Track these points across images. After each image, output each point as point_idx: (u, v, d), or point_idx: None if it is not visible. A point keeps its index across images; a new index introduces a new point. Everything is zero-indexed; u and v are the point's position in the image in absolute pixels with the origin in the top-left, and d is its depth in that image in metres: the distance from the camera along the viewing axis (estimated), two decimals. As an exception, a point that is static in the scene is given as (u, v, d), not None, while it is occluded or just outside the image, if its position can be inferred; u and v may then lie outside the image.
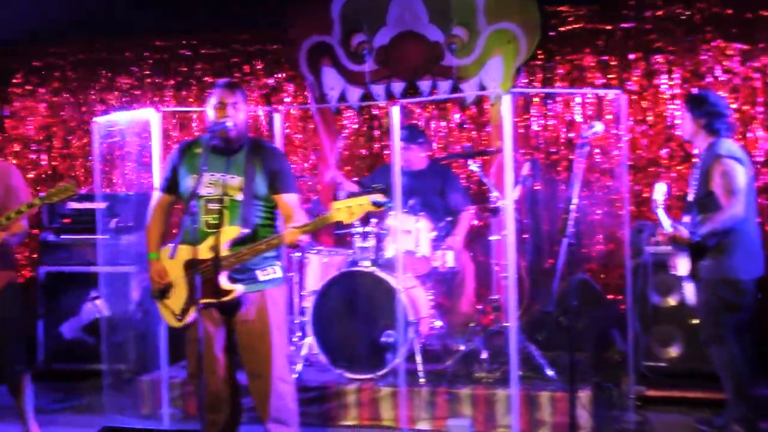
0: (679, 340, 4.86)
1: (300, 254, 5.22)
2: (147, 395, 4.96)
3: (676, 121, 5.70)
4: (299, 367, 4.88)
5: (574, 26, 6.05)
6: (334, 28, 6.24)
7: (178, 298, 3.49)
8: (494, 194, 4.94)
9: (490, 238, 5.15)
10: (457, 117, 6.30)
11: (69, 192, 3.79)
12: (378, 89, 6.22)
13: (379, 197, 3.26)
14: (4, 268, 4.09)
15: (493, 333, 4.96)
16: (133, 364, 5.43)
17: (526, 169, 5.12)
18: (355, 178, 5.90)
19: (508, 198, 4.39)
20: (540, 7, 5.88)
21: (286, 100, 6.55)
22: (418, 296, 4.97)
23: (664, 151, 5.85)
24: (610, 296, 5.60)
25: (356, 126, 6.49)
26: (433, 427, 4.58)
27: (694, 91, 5.44)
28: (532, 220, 5.85)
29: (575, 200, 3.50)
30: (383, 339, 4.69)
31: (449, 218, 5.33)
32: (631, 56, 5.90)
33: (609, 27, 5.97)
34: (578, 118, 5.99)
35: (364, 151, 6.46)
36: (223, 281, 3.41)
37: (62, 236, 5.93)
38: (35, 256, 6.57)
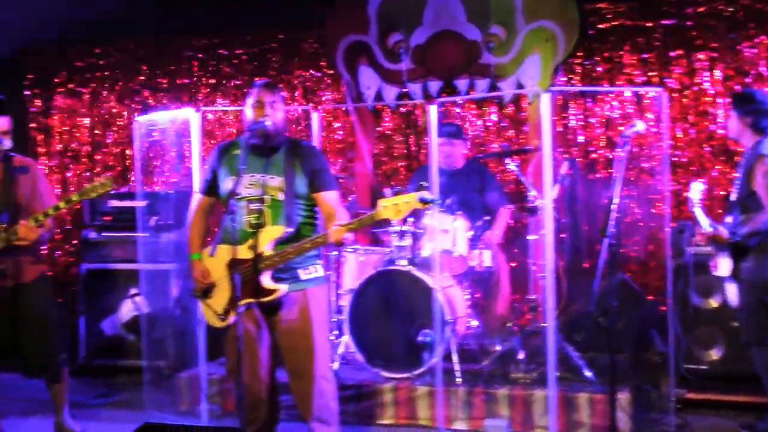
0: (721, 342, 4.78)
1: (336, 253, 5.23)
2: (185, 392, 5.02)
3: (719, 120, 5.61)
4: (336, 365, 4.89)
5: (614, 23, 5.97)
6: (371, 27, 6.24)
7: (220, 298, 3.51)
8: (532, 193, 4.91)
9: (528, 237, 5.12)
10: (494, 116, 6.27)
11: (105, 188, 3.85)
12: (415, 88, 6.20)
13: (426, 194, 3.24)
14: (36, 262, 4.18)
15: (530, 333, 4.93)
16: (172, 360, 5.50)
17: (564, 168, 5.08)
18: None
19: (546, 197, 4.35)
20: (578, 4, 5.82)
21: (323, 99, 6.58)
22: (455, 295, 4.95)
23: (706, 150, 5.76)
24: (650, 297, 5.52)
25: (393, 125, 6.49)
26: (469, 427, 4.57)
27: (739, 89, 5.34)
28: (570, 219, 5.79)
29: (616, 200, 3.46)
30: (420, 338, 4.69)
31: (487, 217, 5.30)
32: (672, 53, 5.81)
33: (649, 24, 5.88)
34: (618, 117, 5.92)
35: (399, 151, 6.47)
36: (267, 281, 3.42)
37: (103, 234, 6.02)
38: (77, 252, 6.68)
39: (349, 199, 5.54)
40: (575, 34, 5.82)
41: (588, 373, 4.61)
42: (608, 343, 3.50)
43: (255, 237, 3.38)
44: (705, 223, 3.94)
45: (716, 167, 5.71)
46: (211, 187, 3.66)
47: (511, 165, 5.01)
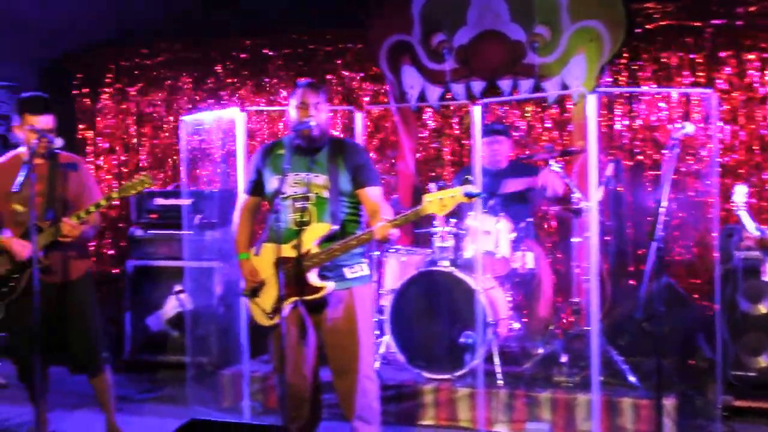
0: (770, 349, 4.68)
1: (378, 253, 5.24)
2: (228, 388, 5.07)
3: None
4: (377, 365, 4.90)
5: (661, 24, 5.88)
6: (414, 28, 6.23)
7: (268, 296, 3.52)
8: (576, 195, 4.86)
9: (572, 240, 5.06)
10: (538, 116, 6.22)
11: (144, 184, 3.90)
12: (458, 88, 6.18)
13: (471, 188, 3.21)
14: (81, 258, 4.21)
15: (572, 336, 4.88)
16: (216, 357, 5.56)
17: (609, 170, 5.01)
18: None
19: (592, 199, 4.30)
20: (625, 4, 5.74)
21: (366, 99, 6.60)
22: (497, 297, 4.93)
23: (756, 152, 5.64)
24: (697, 302, 5.43)
25: (436, 125, 6.48)
26: (511, 429, 4.54)
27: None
28: (614, 222, 5.72)
29: (665, 203, 3.40)
30: (461, 339, 4.67)
31: (530, 219, 5.26)
32: (722, 54, 5.71)
33: (698, 24, 5.78)
34: (664, 118, 5.83)
35: (441, 150, 6.46)
36: (313, 278, 3.44)
37: (149, 231, 6.12)
38: (123, 250, 6.80)
39: (392, 198, 5.54)
40: (621, 35, 5.73)
41: (632, 378, 4.55)
42: (654, 347, 3.44)
43: (300, 235, 3.40)
44: (751, 226, 3.86)
45: (767, 170, 5.59)
46: (256, 187, 3.69)
47: (556, 166, 4.96)
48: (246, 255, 3.64)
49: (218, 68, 7.03)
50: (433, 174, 6.34)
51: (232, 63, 6.97)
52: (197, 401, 5.01)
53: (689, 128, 3.58)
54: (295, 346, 3.56)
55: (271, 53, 6.86)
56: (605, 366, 4.52)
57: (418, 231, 5.45)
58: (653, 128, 5.88)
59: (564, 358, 4.75)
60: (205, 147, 6.80)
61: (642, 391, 4.43)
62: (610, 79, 5.90)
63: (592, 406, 4.22)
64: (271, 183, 3.59)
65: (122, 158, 7.36)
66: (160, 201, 6.07)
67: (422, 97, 6.25)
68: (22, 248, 3.94)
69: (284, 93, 6.74)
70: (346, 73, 6.67)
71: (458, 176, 5.63)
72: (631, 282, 5.70)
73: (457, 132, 6.42)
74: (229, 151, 6.01)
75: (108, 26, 6.92)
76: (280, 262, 3.35)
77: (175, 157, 7.02)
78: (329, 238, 3.45)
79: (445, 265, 4.85)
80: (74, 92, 7.42)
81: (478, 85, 6.14)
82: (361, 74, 6.65)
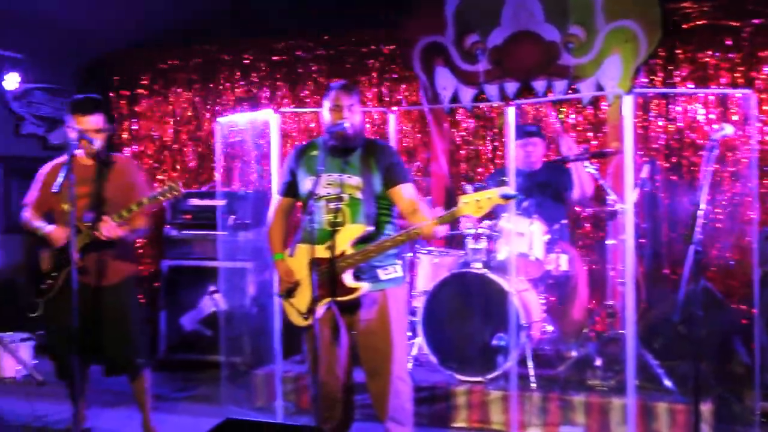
0: (810, 354, 4.59)
1: (411, 254, 5.24)
2: (261, 388, 5.10)
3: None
4: (409, 366, 4.90)
5: (698, 23, 5.80)
6: (448, 29, 6.22)
7: (303, 297, 3.53)
8: (611, 197, 4.81)
9: (607, 242, 5.01)
10: (572, 117, 6.17)
11: (173, 192, 3.91)
12: (491, 89, 6.16)
13: (507, 190, 3.20)
14: (125, 262, 4.21)
15: (607, 340, 4.83)
16: (249, 357, 5.60)
17: (645, 172, 4.96)
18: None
19: (627, 201, 4.26)
20: (661, 3, 5.67)
21: (399, 100, 6.60)
22: (531, 300, 4.90)
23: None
24: (734, 306, 5.34)
25: (469, 126, 6.46)
26: (544, 433, 4.51)
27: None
28: (650, 224, 5.65)
29: (703, 205, 3.35)
30: (494, 342, 4.65)
31: (564, 221, 5.22)
32: (761, 53, 5.61)
33: (735, 23, 5.68)
34: (701, 119, 5.75)
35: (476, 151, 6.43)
36: (348, 279, 3.45)
37: (184, 232, 6.18)
38: (159, 250, 6.88)
39: (426, 199, 5.53)
40: (658, 34, 5.67)
41: (668, 383, 4.49)
42: (692, 351, 3.39)
43: (334, 236, 3.41)
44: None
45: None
46: (289, 189, 3.70)
47: (590, 168, 4.92)
48: (281, 255, 3.64)
49: (252, 70, 7.08)
50: (466, 176, 6.32)
51: (267, 64, 7.01)
52: (231, 401, 5.04)
53: (728, 129, 3.53)
54: (329, 346, 3.56)
55: (304, 55, 6.90)
56: (640, 370, 4.47)
57: (451, 233, 5.44)
58: (690, 129, 5.80)
59: (598, 362, 4.70)
60: (240, 148, 6.86)
61: (678, 395, 4.37)
62: (646, 80, 5.84)
63: (627, 410, 4.18)
64: (305, 184, 3.60)
65: (157, 160, 7.45)
66: (194, 202, 6.14)
67: (455, 99, 6.24)
68: (59, 235, 3.96)
69: (318, 95, 6.76)
70: (379, 75, 6.67)
71: (491, 178, 5.61)
72: (666, 285, 5.62)
73: (492, 133, 6.39)
74: (263, 153, 6.05)
75: (144, 28, 7.01)
76: (315, 263, 3.35)
77: (209, 158, 7.09)
78: (364, 239, 3.46)
79: (478, 267, 4.83)
80: (111, 94, 7.53)
81: (511, 86, 6.12)
82: (394, 75, 6.64)
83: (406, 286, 3.82)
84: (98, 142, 4.08)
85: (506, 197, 3.19)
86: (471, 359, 4.74)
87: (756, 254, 4.48)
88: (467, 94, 6.22)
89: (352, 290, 3.44)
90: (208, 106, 7.26)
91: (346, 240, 3.43)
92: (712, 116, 5.72)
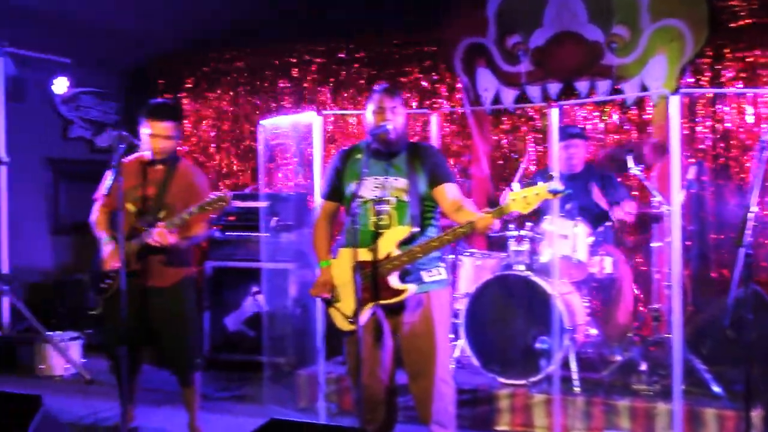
0: None
1: (453, 256, 5.23)
2: (304, 389, 5.12)
3: None
4: (451, 368, 4.88)
5: (746, 21, 5.68)
6: (489, 29, 6.21)
7: (348, 301, 3.52)
8: (657, 199, 4.74)
9: (652, 244, 4.94)
10: (615, 118, 6.10)
11: (222, 203, 3.93)
12: (533, 90, 6.12)
13: (556, 185, 3.14)
14: (182, 263, 4.24)
15: (652, 343, 4.76)
16: (292, 358, 5.63)
17: (691, 173, 4.88)
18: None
19: (674, 203, 4.19)
20: (708, 2, 5.58)
21: (441, 102, 6.59)
22: (574, 303, 4.85)
23: None
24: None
25: (511, 127, 6.43)
26: (588, 437, 4.47)
27: None
28: (696, 226, 5.56)
29: (754, 208, 3.28)
30: (537, 345, 4.61)
31: (608, 223, 5.16)
32: (812, 52, 5.50)
33: (785, 21, 5.58)
34: (750, 120, 5.64)
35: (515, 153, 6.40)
36: (394, 281, 3.44)
37: (227, 233, 6.25)
38: (203, 251, 6.96)
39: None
40: (704, 33, 5.59)
41: (716, 388, 4.41)
42: (742, 356, 3.32)
43: (379, 238, 3.42)
44: None
45: None
46: (334, 192, 3.71)
47: (635, 169, 4.86)
48: (327, 263, 3.62)
49: (295, 72, 7.14)
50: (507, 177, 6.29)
51: (309, 67, 7.06)
52: (273, 401, 5.08)
53: (779, 130, 3.45)
54: (372, 349, 3.56)
55: (346, 57, 6.93)
56: (687, 374, 4.39)
57: (493, 235, 5.41)
58: (738, 130, 5.69)
59: (643, 366, 4.64)
60: (282, 150, 6.91)
61: (726, 401, 4.30)
62: (692, 80, 5.74)
63: (673, 415, 4.11)
64: (350, 187, 3.61)
65: (201, 163, 7.54)
66: (238, 203, 6.19)
67: (497, 100, 6.21)
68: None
69: (360, 97, 6.79)
70: (421, 76, 6.67)
71: (533, 179, 5.56)
72: (713, 288, 5.52)
73: (534, 135, 6.35)
74: (306, 155, 6.09)
75: (188, 33, 7.12)
76: (359, 266, 3.35)
77: (252, 160, 7.16)
78: (409, 241, 3.45)
79: (520, 269, 4.80)
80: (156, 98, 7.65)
81: (554, 87, 6.07)
82: (436, 77, 6.64)
83: (450, 288, 3.81)
84: (144, 145, 4.15)
85: (554, 192, 3.14)
86: (514, 362, 4.71)
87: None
88: (509, 95, 6.20)
89: (398, 292, 3.43)
90: (251, 109, 7.33)
91: (392, 242, 3.43)
92: (761, 116, 5.60)
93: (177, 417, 4.57)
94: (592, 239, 4.94)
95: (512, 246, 4.92)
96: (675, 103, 4.11)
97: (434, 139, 5.39)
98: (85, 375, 5.84)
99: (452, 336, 5.08)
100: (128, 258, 3.98)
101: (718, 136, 5.75)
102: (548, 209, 4.68)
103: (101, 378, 5.61)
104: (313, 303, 4.92)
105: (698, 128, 5.80)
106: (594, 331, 5.03)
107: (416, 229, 3.48)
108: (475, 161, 6.36)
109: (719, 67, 5.74)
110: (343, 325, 3.57)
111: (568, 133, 5.34)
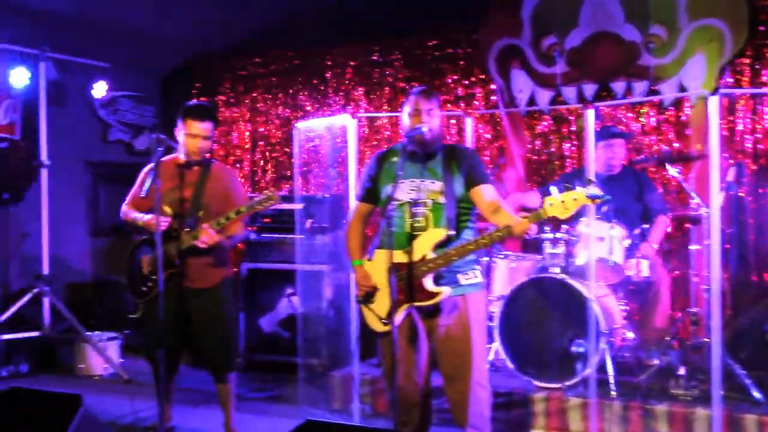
0: None
1: (488, 259, 5.21)
2: (338, 390, 5.14)
3: None
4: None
5: (787, 21, 5.59)
6: (524, 31, 6.17)
7: (382, 302, 3.52)
8: (695, 201, 4.68)
9: (690, 247, 4.88)
10: (653, 119, 6.03)
11: (272, 201, 3.95)
12: (569, 91, 6.08)
13: (595, 190, 3.09)
14: (219, 266, 4.26)
15: (690, 348, 4.69)
16: (326, 359, 5.65)
17: (731, 175, 4.80)
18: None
19: (713, 206, 4.13)
20: (749, 1, 5.49)
21: (476, 104, 6.57)
22: (610, 306, 4.80)
23: None
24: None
25: (547, 129, 6.39)
26: (625, 442, 4.42)
27: None
28: (735, 229, 5.47)
29: (796, 211, 3.22)
30: (573, 348, 4.57)
31: (645, 225, 5.10)
32: None
33: (828, 20, 5.47)
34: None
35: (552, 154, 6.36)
36: (429, 284, 3.44)
37: (263, 235, 6.29)
38: (239, 252, 7.02)
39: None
40: (744, 33, 5.49)
41: (757, 394, 4.34)
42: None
43: (415, 240, 3.42)
44: None
45: None
46: (369, 194, 3.71)
47: (673, 171, 4.80)
48: (359, 262, 3.65)
49: (329, 75, 7.17)
50: (541, 179, 6.25)
51: (343, 70, 7.09)
52: (308, 402, 5.11)
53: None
54: (407, 350, 3.56)
55: (381, 59, 6.94)
56: (726, 379, 4.32)
57: (528, 237, 5.37)
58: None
59: (682, 370, 4.57)
60: (317, 153, 6.95)
61: (767, 407, 4.22)
62: (731, 80, 5.65)
63: (712, 421, 4.05)
64: (385, 190, 3.61)
65: (237, 165, 7.61)
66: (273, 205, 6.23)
67: (532, 101, 6.18)
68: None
69: (395, 100, 6.79)
70: (456, 78, 6.66)
71: (561, 181, 5.51)
72: (753, 292, 5.43)
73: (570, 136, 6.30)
74: (341, 157, 6.11)
75: (223, 36, 7.20)
76: (394, 268, 3.34)
77: (287, 163, 7.20)
78: (444, 244, 3.45)
79: (556, 272, 4.77)
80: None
81: (590, 88, 6.02)
82: (471, 79, 6.62)
83: (485, 291, 3.79)
84: (180, 147, 4.20)
85: (593, 198, 3.09)
86: (549, 365, 4.68)
87: None
88: (544, 96, 6.16)
89: (433, 295, 3.43)
90: (286, 112, 7.38)
91: (427, 244, 3.43)
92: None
93: (213, 417, 4.62)
94: (629, 242, 4.89)
95: (547, 248, 4.89)
96: (714, 104, 4.06)
97: (470, 141, 5.38)
98: (123, 375, 5.93)
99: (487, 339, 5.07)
100: (168, 259, 4.03)
101: (759, 137, 5.65)
102: (584, 211, 4.64)
103: (139, 378, 5.70)
104: (348, 305, 4.94)
105: (738, 129, 5.70)
106: (631, 335, 4.97)
107: (452, 232, 3.47)
108: (511, 163, 6.32)
109: (759, 66, 5.64)
110: (377, 326, 3.57)
111: (610, 132, 5.27)
